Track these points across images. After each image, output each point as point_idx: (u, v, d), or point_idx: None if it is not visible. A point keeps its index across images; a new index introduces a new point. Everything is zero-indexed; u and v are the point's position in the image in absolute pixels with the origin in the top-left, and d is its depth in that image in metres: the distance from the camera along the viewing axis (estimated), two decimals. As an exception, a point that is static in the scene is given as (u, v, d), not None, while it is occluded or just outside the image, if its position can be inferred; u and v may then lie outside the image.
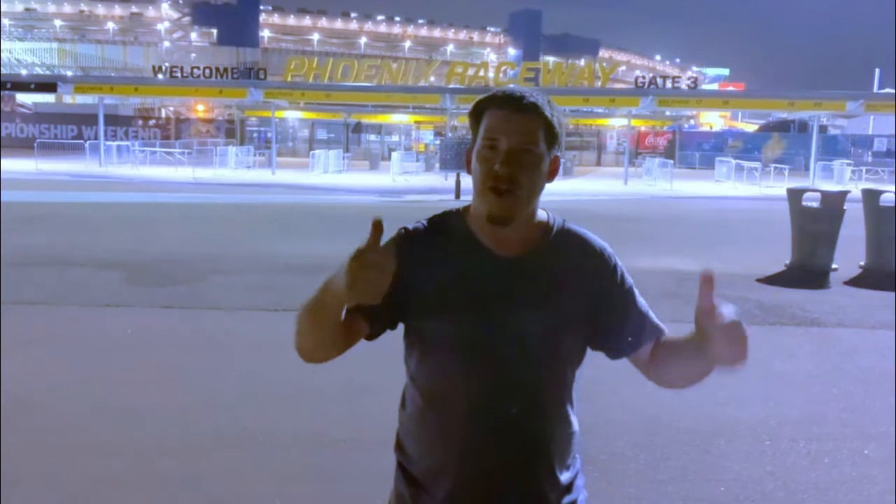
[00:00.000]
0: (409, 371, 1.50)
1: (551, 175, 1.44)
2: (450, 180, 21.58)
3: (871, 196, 9.34)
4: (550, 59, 55.26)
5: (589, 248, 1.49)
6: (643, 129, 42.37)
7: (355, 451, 3.84)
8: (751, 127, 54.25)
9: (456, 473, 1.41)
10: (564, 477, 1.46)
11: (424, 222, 1.49)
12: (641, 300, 1.52)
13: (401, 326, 1.49)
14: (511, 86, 1.42)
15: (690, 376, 1.44)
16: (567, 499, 1.47)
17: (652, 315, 1.52)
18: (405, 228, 1.48)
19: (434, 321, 1.42)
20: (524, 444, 1.41)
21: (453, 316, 1.40)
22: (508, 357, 1.40)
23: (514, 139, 1.37)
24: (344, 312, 1.37)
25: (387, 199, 19.16)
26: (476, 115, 1.43)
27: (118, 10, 75.57)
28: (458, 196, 18.74)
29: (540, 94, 1.42)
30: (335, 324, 1.37)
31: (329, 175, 27.47)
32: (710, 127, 52.90)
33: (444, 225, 1.48)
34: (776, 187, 23.01)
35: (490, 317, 1.39)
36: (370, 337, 1.47)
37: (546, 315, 1.41)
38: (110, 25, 74.04)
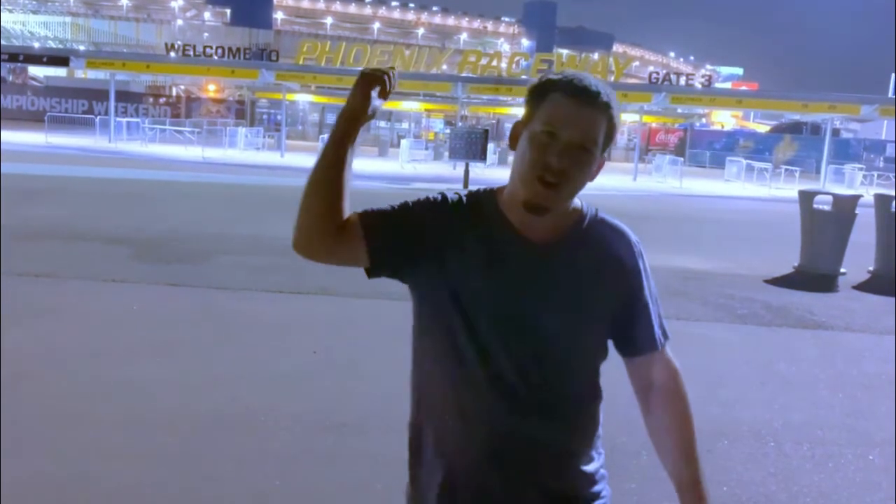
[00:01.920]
0: (420, 356, 1.45)
1: (594, 174, 1.39)
2: (458, 169, 21.52)
3: (883, 201, 9.27)
4: (564, 51, 54.88)
5: (622, 240, 1.45)
6: (654, 125, 42.17)
7: (356, 435, 3.82)
8: (762, 127, 53.93)
9: (474, 470, 1.37)
10: (588, 469, 1.44)
11: (461, 195, 1.44)
12: (653, 308, 1.47)
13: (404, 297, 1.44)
14: (583, 74, 1.35)
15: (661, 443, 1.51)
16: (592, 489, 1.44)
17: (654, 326, 1.47)
18: (444, 193, 1.44)
19: (454, 303, 1.36)
20: (548, 442, 1.38)
21: (476, 298, 1.35)
22: (532, 346, 1.35)
23: (577, 134, 1.30)
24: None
25: (394, 185, 19.11)
26: (539, 93, 1.35)
27: (132, -13, 75.38)
28: (465, 186, 18.68)
29: (611, 89, 1.35)
30: (341, 164, 1.34)
31: (338, 160, 27.36)
32: (722, 126, 52.55)
33: (477, 201, 1.43)
34: (786, 189, 22.89)
35: (514, 301, 1.35)
36: (370, 271, 1.39)
37: (573, 304, 1.37)
38: (124, 2, 73.72)
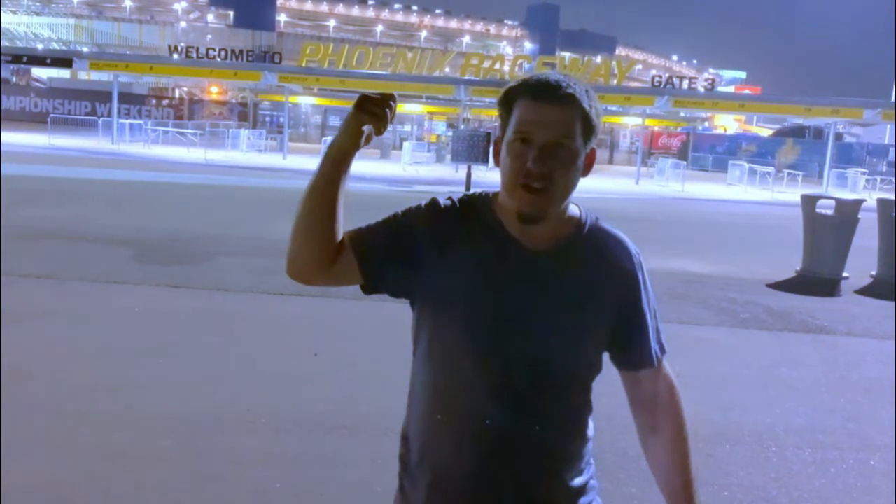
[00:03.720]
0: (417, 364, 1.43)
1: (587, 169, 1.35)
2: (460, 172, 21.52)
3: (886, 206, 9.26)
4: (567, 54, 54.91)
5: (621, 250, 1.41)
6: (657, 129, 42.16)
7: (356, 438, 3.82)
8: (765, 131, 53.85)
9: (462, 479, 1.35)
10: (577, 481, 1.41)
11: (454, 200, 1.40)
12: (651, 322, 1.43)
13: (403, 311, 1.42)
14: (545, 73, 1.33)
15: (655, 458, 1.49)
16: (580, 501, 1.41)
17: (652, 341, 1.43)
18: (435, 199, 1.41)
19: (450, 310, 1.34)
20: (537, 453, 1.35)
21: (472, 305, 1.32)
22: (526, 354, 1.32)
23: (549, 133, 1.27)
24: (345, 179, 1.32)
25: (396, 188, 19.12)
26: (506, 103, 1.33)
27: (136, -11, 75.56)
28: (468, 188, 18.63)
29: (576, 81, 1.31)
30: (333, 198, 1.31)
31: (340, 162, 27.37)
32: (724, 130, 52.52)
33: (472, 207, 1.39)
34: (789, 193, 22.88)
35: (510, 308, 1.32)
36: (365, 287, 1.39)
37: (569, 313, 1.34)
38: (127, 3, 73.92)
